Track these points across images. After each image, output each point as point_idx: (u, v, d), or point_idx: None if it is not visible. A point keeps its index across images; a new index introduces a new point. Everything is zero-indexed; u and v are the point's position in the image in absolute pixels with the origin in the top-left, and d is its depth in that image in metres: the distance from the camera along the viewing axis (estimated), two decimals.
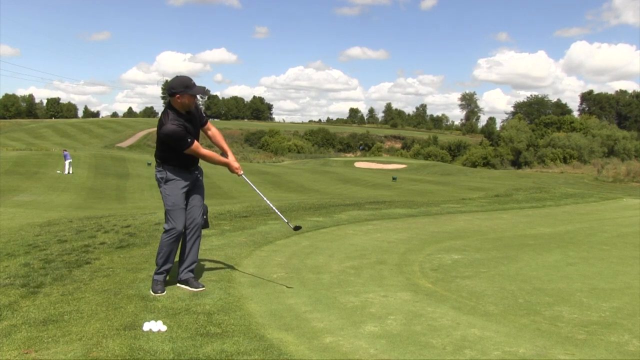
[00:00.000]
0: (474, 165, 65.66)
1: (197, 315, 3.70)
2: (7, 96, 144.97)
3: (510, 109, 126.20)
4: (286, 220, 4.82)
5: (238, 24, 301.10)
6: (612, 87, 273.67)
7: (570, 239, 7.42)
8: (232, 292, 4.29)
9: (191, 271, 4.47)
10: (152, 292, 4.24)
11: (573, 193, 16.21)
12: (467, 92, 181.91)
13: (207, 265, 5.20)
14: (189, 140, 4.26)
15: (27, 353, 3.12)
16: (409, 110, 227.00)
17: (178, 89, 4.22)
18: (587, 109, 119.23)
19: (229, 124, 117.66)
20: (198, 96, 4.50)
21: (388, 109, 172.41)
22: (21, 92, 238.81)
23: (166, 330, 3.40)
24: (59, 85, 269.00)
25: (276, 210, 4.95)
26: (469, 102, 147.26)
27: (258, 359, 2.99)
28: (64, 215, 12.59)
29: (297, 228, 4.76)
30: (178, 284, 4.44)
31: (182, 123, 4.26)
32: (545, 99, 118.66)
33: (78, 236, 7.40)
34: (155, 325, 3.42)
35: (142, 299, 4.09)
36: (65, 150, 32.88)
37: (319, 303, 4.08)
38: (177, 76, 4.30)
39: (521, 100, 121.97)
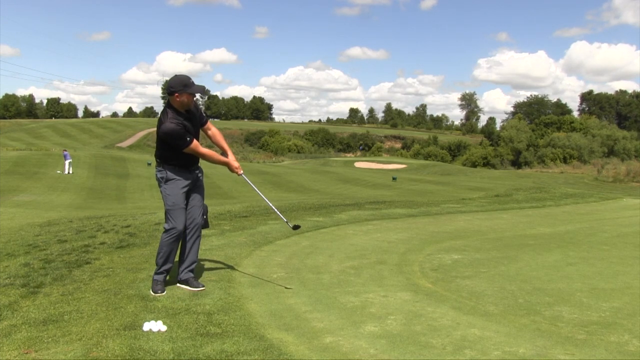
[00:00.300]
0: (474, 165, 65.65)
1: (197, 315, 3.70)
2: (7, 96, 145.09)
3: (510, 109, 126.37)
4: (285, 220, 4.83)
5: (238, 24, 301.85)
6: (612, 87, 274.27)
7: (570, 239, 7.42)
8: (232, 292, 4.29)
9: (191, 271, 4.47)
10: (152, 292, 4.23)
11: (573, 193, 16.21)
12: (467, 92, 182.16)
13: (207, 265, 5.20)
14: (188, 139, 4.25)
15: (27, 353, 3.12)
16: (409, 110, 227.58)
17: (177, 88, 4.22)
18: (587, 109, 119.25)
19: (229, 124, 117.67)
20: (198, 96, 4.50)
21: (388, 109, 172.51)
22: (21, 92, 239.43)
23: (166, 330, 3.40)
24: (59, 85, 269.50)
25: (276, 210, 4.96)
26: (469, 102, 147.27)
27: (258, 359, 2.99)
28: (64, 215, 12.59)
29: (296, 227, 4.76)
30: (178, 284, 4.44)
31: (181, 122, 4.26)
32: (545, 99, 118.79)
33: (78, 236, 7.40)
34: (155, 325, 3.42)
35: (142, 299, 4.09)
36: (65, 150, 32.87)
37: (319, 303, 4.07)
38: (176, 75, 4.30)
39: (521, 100, 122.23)
